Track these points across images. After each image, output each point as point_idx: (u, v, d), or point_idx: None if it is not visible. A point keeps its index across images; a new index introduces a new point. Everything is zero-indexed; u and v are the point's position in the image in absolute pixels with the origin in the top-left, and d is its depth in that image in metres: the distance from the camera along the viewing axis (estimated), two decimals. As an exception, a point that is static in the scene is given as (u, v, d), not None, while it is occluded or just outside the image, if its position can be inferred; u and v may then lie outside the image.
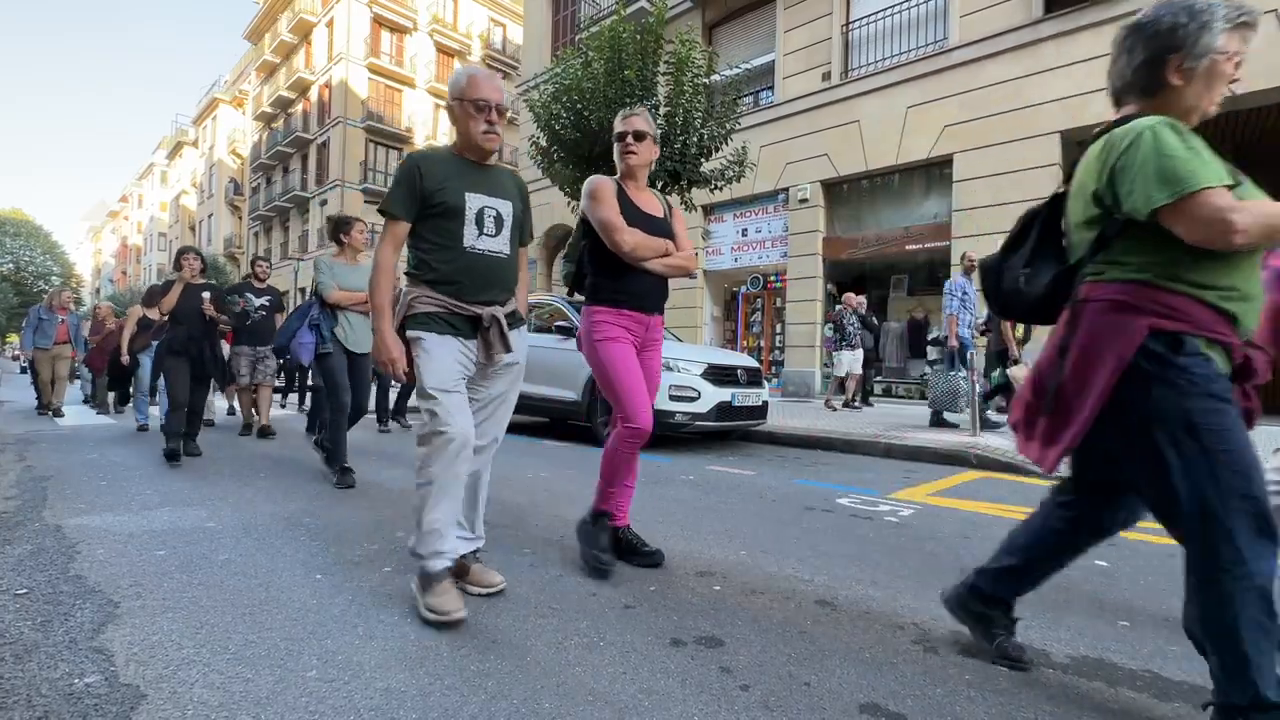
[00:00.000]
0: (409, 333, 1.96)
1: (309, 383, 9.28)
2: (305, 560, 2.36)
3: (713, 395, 5.46)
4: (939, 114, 9.75)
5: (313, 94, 28.82)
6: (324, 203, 25.77)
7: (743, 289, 12.89)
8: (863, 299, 9.30)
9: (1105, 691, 1.54)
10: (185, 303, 4.69)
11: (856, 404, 9.02)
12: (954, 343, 6.47)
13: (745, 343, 12.88)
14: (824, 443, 5.88)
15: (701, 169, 8.38)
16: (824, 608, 2.02)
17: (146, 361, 6.25)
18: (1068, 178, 1.47)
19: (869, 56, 10.87)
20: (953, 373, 6.42)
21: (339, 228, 4.15)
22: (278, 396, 9.64)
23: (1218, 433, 1.21)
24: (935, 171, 10.09)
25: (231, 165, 38.64)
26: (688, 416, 5.35)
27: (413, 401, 7.06)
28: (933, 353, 10.90)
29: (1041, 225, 1.49)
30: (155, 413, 6.79)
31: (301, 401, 9.36)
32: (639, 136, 2.37)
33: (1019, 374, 6.53)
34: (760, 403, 5.95)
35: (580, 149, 8.19)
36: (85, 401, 9.95)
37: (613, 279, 2.34)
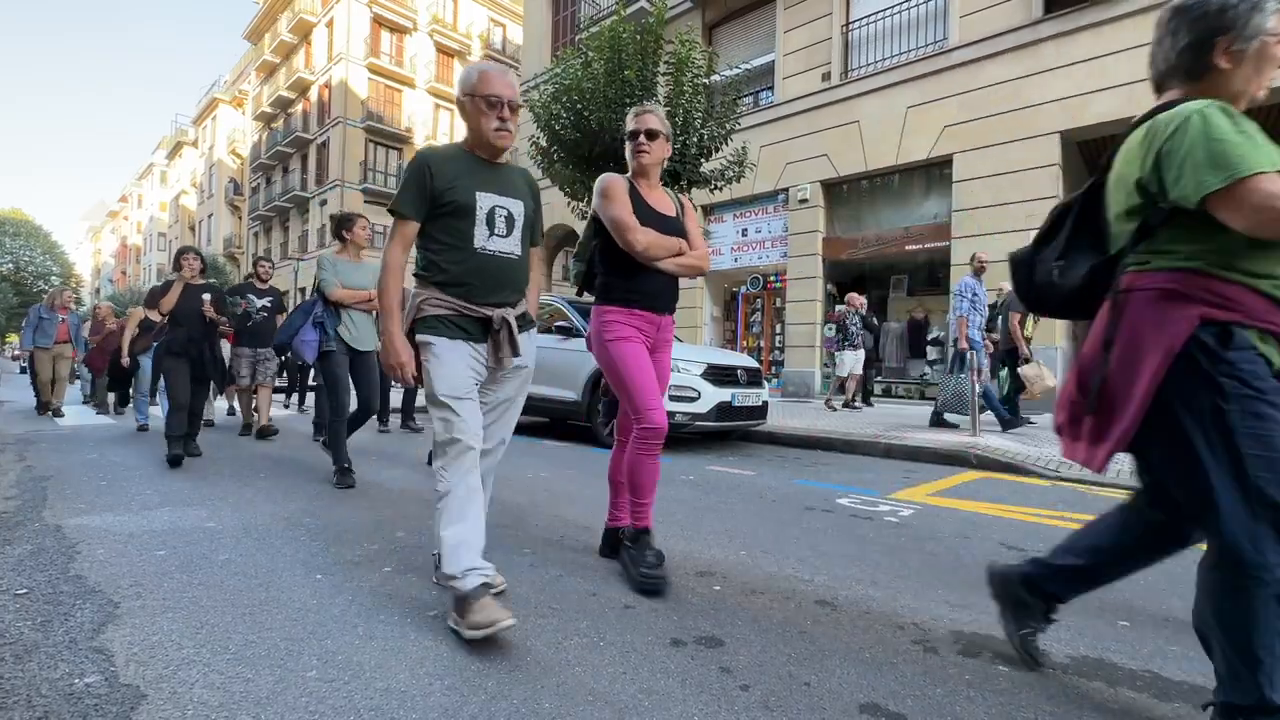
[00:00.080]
0: (419, 337, 1.92)
1: (310, 382, 9.27)
2: (305, 560, 2.36)
3: (713, 395, 5.46)
4: (939, 114, 9.76)
5: (312, 94, 28.82)
6: (324, 203, 25.77)
7: (742, 289, 12.89)
8: (863, 299, 9.30)
9: (1105, 691, 1.54)
10: (185, 303, 4.67)
11: (856, 404, 9.03)
12: (964, 345, 6.38)
13: (745, 343, 12.88)
14: (824, 443, 5.88)
15: (701, 169, 8.39)
16: (824, 608, 2.02)
17: (147, 363, 6.25)
18: (1105, 168, 1.41)
19: (869, 57, 10.88)
20: (962, 375, 6.35)
21: (341, 225, 4.15)
22: (279, 397, 9.61)
23: (1256, 436, 1.17)
24: (935, 172, 10.09)
25: (231, 165, 38.64)
26: (688, 417, 5.35)
27: (420, 402, 7.05)
28: (932, 353, 10.91)
29: (1076, 216, 1.44)
30: (156, 413, 6.80)
31: (302, 401, 9.32)
32: (651, 135, 2.33)
33: (1030, 373, 6.51)
34: (760, 403, 5.95)
35: (580, 149, 8.19)
36: (85, 401, 9.95)
37: (624, 278, 2.31)
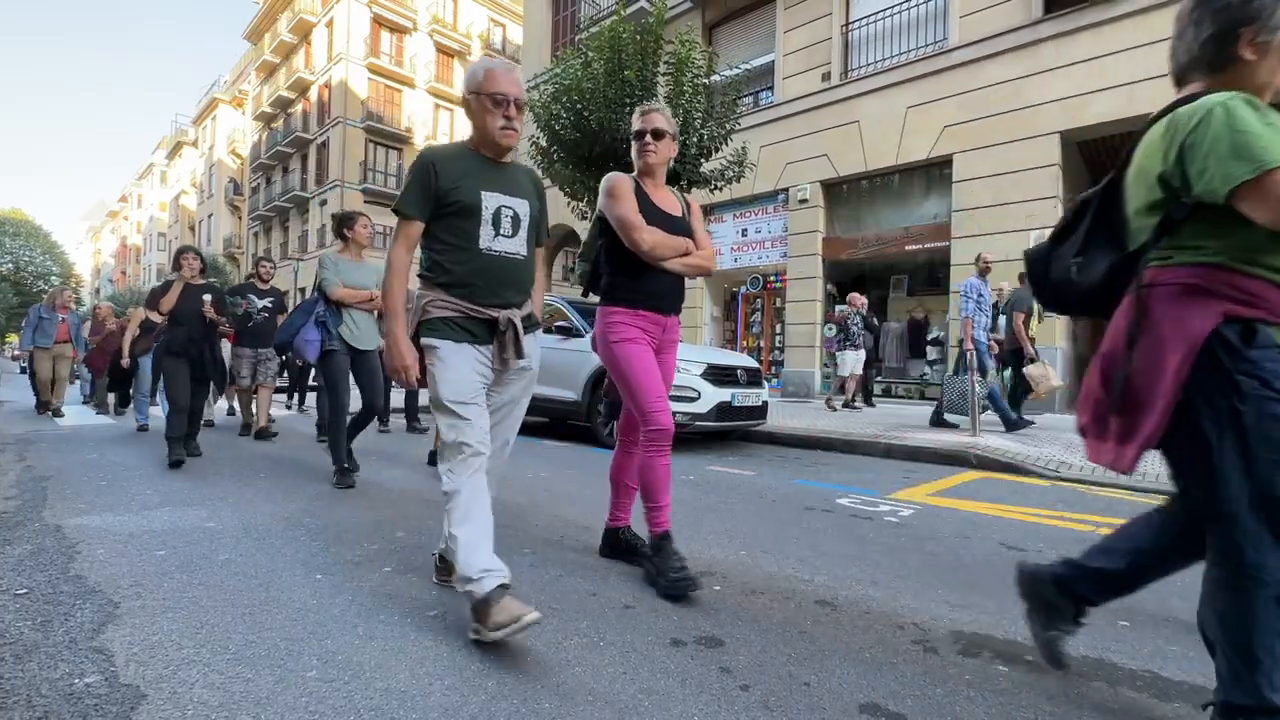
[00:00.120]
0: (424, 340, 1.89)
1: (310, 383, 9.24)
2: (305, 560, 2.36)
3: (712, 395, 5.46)
4: (939, 114, 9.76)
5: (312, 94, 28.83)
6: (324, 203, 25.76)
7: (742, 289, 12.89)
8: (864, 300, 9.30)
9: (1105, 691, 1.54)
10: (185, 303, 4.66)
11: (856, 404, 9.03)
12: (969, 346, 6.29)
13: (745, 343, 12.89)
14: (824, 443, 5.88)
15: (701, 169, 8.39)
16: (824, 608, 2.02)
17: (147, 364, 6.24)
18: (1123, 163, 1.38)
19: (869, 57, 10.88)
20: (967, 376, 6.26)
21: (343, 223, 4.13)
22: (280, 397, 9.56)
23: (1269, 438, 1.15)
24: (935, 172, 10.10)
25: (231, 165, 38.64)
26: (687, 417, 5.35)
27: (423, 401, 7.05)
28: (932, 353, 10.91)
29: (1095, 212, 1.40)
30: (156, 413, 6.80)
31: (302, 401, 9.29)
32: (658, 135, 2.31)
33: (1036, 372, 6.48)
34: (760, 403, 5.95)
35: (580, 149, 8.20)
36: (85, 402, 9.95)
37: (630, 279, 2.29)
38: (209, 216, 40.37)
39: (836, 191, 11.32)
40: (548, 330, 6.30)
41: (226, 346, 6.45)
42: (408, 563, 2.36)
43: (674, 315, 2.39)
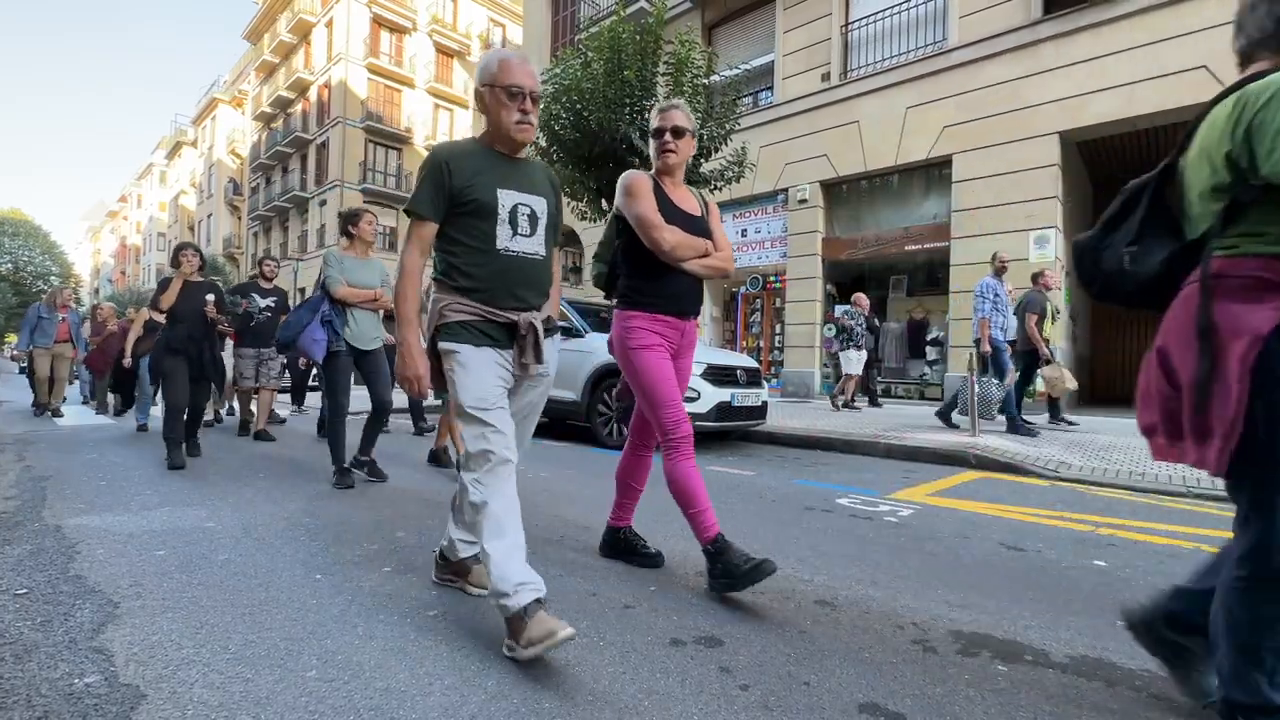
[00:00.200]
0: (442, 345, 1.80)
1: (311, 383, 9.21)
2: (305, 560, 2.36)
3: (712, 395, 5.46)
4: (938, 115, 9.76)
5: (312, 94, 28.82)
6: (323, 203, 25.76)
7: (742, 289, 12.89)
8: (867, 300, 9.28)
9: (1104, 691, 1.54)
10: (186, 302, 4.63)
11: (856, 405, 9.04)
12: (986, 347, 6.21)
13: (744, 343, 12.89)
14: (823, 443, 5.89)
15: (701, 169, 8.40)
16: (824, 608, 2.02)
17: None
18: (1181, 146, 1.30)
19: (868, 57, 10.88)
20: (984, 378, 6.20)
21: (348, 220, 4.09)
22: (285, 398, 9.48)
23: None
24: (934, 172, 10.10)
25: (231, 165, 38.63)
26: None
27: (428, 401, 7.05)
28: (932, 353, 10.91)
29: (1151, 198, 1.33)
30: (157, 413, 6.79)
31: (301, 401, 9.25)
32: (678, 133, 2.25)
33: (1051, 374, 6.41)
34: (760, 403, 5.96)
35: (580, 149, 8.20)
36: (85, 402, 9.94)
37: (649, 280, 2.23)
38: (208, 216, 40.36)
39: (836, 192, 11.33)
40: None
41: (229, 346, 6.44)
42: (408, 563, 2.36)
43: (693, 318, 2.34)
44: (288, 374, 7.85)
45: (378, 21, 27.48)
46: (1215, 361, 1.19)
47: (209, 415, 7.20)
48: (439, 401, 5.90)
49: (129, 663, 1.54)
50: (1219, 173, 1.20)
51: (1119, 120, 8.35)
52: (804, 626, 1.87)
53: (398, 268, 1.87)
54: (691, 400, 5.37)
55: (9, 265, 41.79)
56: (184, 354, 4.60)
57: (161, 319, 4.92)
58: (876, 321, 9.64)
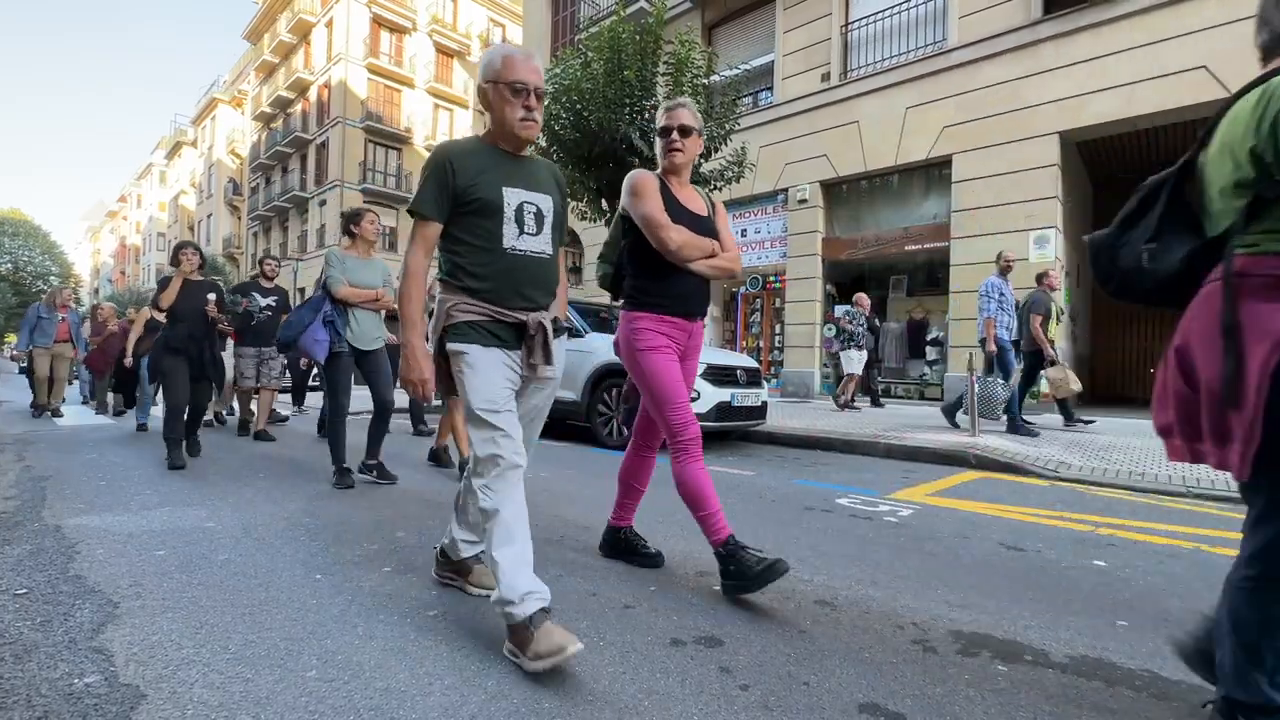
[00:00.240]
0: (450, 346, 1.76)
1: (311, 383, 9.19)
2: (305, 560, 2.36)
3: (712, 395, 5.46)
4: (938, 115, 9.77)
5: (312, 94, 28.82)
6: (323, 203, 25.78)
7: (742, 289, 12.89)
8: (869, 301, 9.27)
9: (1104, 691, 1.54)
10: (185, 300, 4.62)
11: (855, 405, 9.04)
12: (992, 347, 6.17)
13: (744, 343, 12.89)
14: (823, 443, 5.89)
15: (701, 169, 8.40)
16: (824, 608, 2.02)
17: None
18: (1201, 142, 1.28)
19: (868, 57, 10.89)
20: (989, 378, 6.16)
21: (350, 220, 4.08)
22: (286, 398, 9.46)
23: None
24: (934, 172, 10.10)
25: (230, 165, 38.63)
26: (687, 417, 5.34)
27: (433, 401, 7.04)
28: (932, 353, 10.91)
29: (1170, 194, 1.31)
30: (157, 413, 6.79)
31: (301, 401, 9.24)
32: (685, 132, 2.23)
33: (1056, 376, 6.35)
34: (760, 403, 5.96)
35: (580, 149, 8.20)
36: (85, 402, 9.93)
37: (656, 281, 2.21)
38: (208, 216, 40.35)
39: (836, 192, 11.33)
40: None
41: (230, 345, 6.43)
42: (408, 563, 2.36)
43: (700, 319, 2.32)
44: (288, 374, 7.83)
45: (378, 21, 27.48)
46: (1240, 361, 1.17)
47: (209, 416, 7.20)
48: (439, 402, 5.90)
49: (129, 663, 1.54)
50: (1242, 168, 1.18)
51: (1119, 120, 8.35)
52: (804, 626, 1.87)
53: (402, 269, 1.84)
54: (692, 400, 5.36)
55: (9, 265, 41.78)
56: (184, 353, 4.58)
57: (163, 318, 4.91)
58: (877, 322, 9.64)
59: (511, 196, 1.79)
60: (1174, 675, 1.63)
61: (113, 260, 63.60)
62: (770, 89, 12.08)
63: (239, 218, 36.70)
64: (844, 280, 11.68)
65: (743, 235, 12.46)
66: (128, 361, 6.54)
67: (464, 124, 29.63)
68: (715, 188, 8.60)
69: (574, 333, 6.05)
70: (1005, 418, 6.22)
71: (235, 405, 7.31)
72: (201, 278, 4.83)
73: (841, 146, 10.85)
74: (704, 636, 1.78)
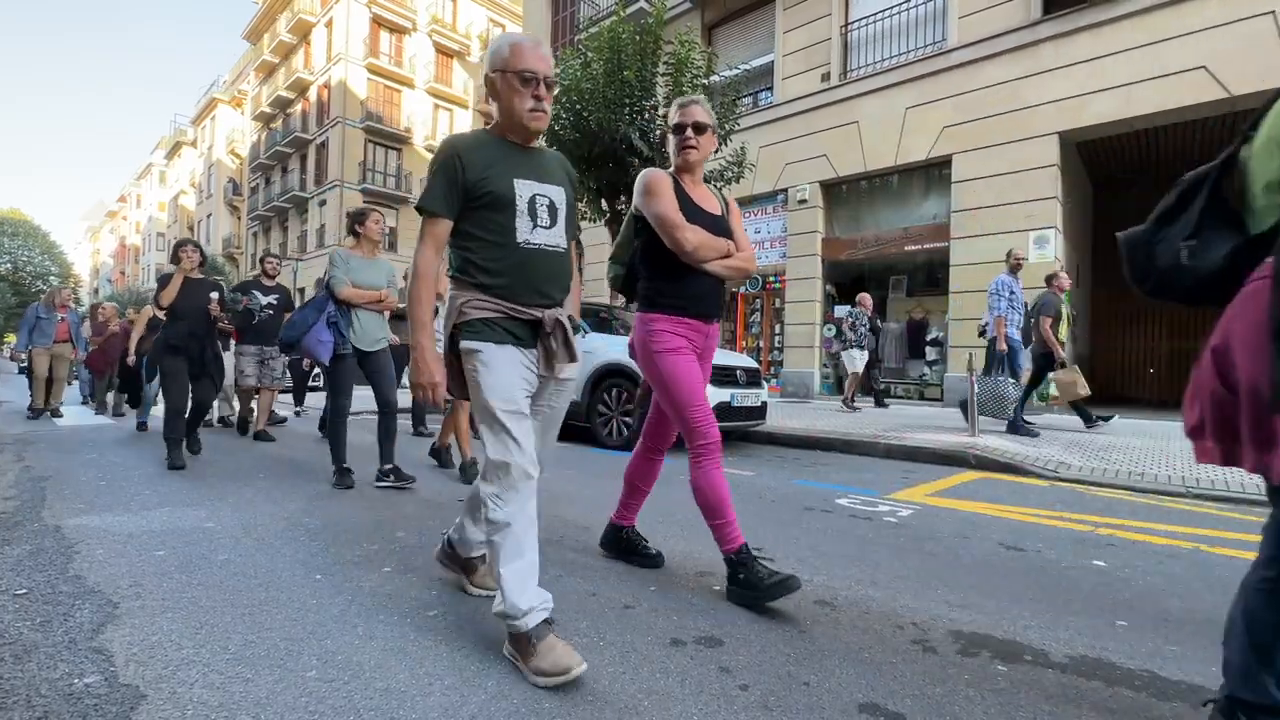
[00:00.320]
0: (463, 344, 1.69)
1: (311, 383, 9.17)
2: (305, 560, 2.36)
3: (712, 395, 5.42)
4: (938, 115, 9.77)
5: (312, 94, 28.83)
6: (323, 203, 25.78)
7: (741, 289, 12.90)
8: (871, 301, 9.25)
9: (1103, 691, 1.54)
10: (186, 299, 4.60)
11: (856, 405, 9.04)
12: (1002, 346, 6.10)
13: (744, 343, 12.89)
14: (823, 443, 5.89)
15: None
16: (823, 608, 2.02)
17: None
18: (1243, 137, 1.24)
19: (868, 57, 10.89)
20: (1000, 377, 6.11)
21: (355, 220, 4.07)
22: (287, 398, 9.43)
23: None
24: (934, 172, 10.11)
25: (230, 165, 38.63)
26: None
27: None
28: (932, 353, 10.92)
29: (1212, 189, 1.26)
30: (158, 412, 6.78)
31: (300, 401, 9.22)
32: (699, 129, 2.18)
33: (1065, 378, 6.29)
34: (759, 403, 5.95)
35: (579, 150, 8.21)
36: (85, 402, 9.92)
37: (672, 282, 2.16)
38: (208, 217, 40.35)
39: (836, 192, 11.33)
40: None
41: (231, 345, 6.43)
42: (408, 563, 2.36)
43: (715, 322, 2.27)
44: (288, 374, 7.82)
45: (377, 21, 27.48)
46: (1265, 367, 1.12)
47: (215, 416, 7.19)
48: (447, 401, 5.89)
49: (129, 663, 1.54)
50: None
51: (1118, 120, 8.36)
52: (804, 626, 1.87)
53: (411, 268, 1.77)
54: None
55: (8, 265, 41.77)
56: (184, 352, 4.58)
57: (163, 315, 4.91)
58: (878, 322, 9.65)
59: (523, 189, 1.73)
60: (1174, 675, 1.63)
61: (112, 260, 63.59)
62: (770, 89, 12.08)
63: (239, 218, 36.69)
64: (844, 280, 11.68)
65: (742, 235, 12.44)
66: (130, 360, 6.53)
67: (464, 124, 29.62)
68: (715, 188, 8.57)
69: (575, 330, 6.05)
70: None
71: (235, 404, 7.30)
72: (202, 276, 4.82)
73: (841, 147, 10.86)
74: (704, 636, 1.78)
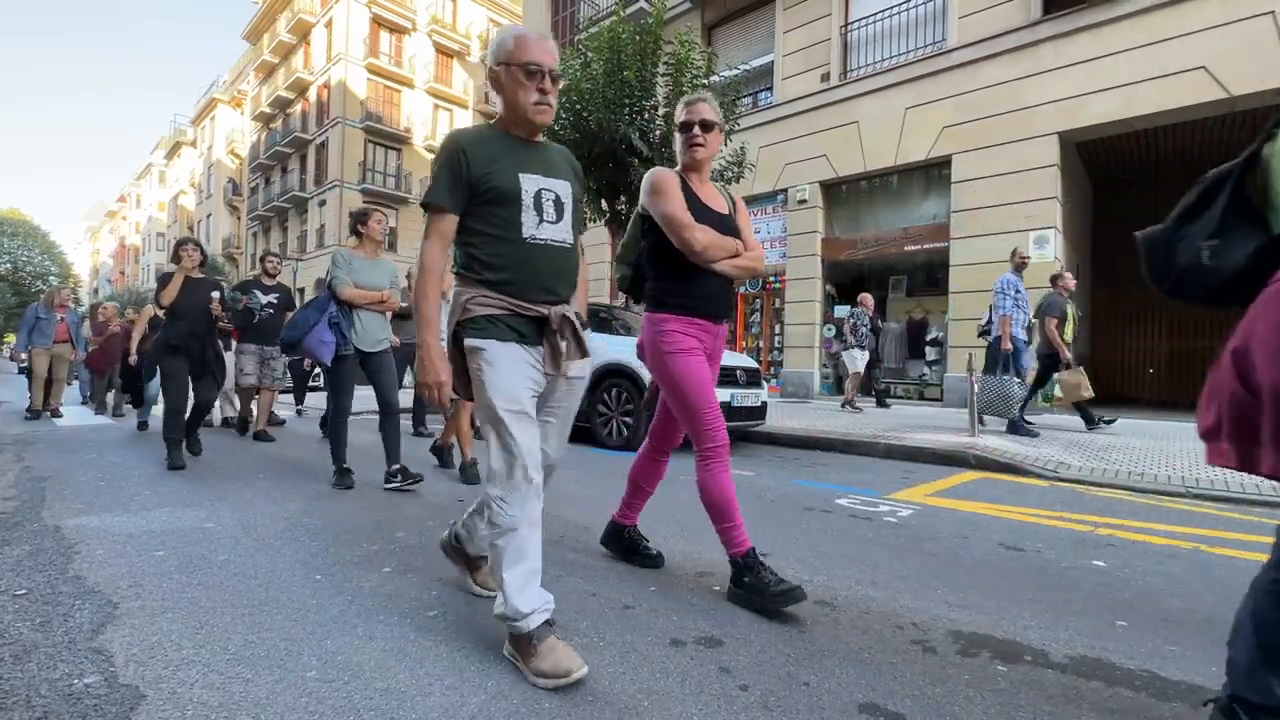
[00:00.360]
0: (468, 341, 1.66)
1: (311, 383, 9.15)
2: (305, 560, 2.36)
3: (712, 396, 5.45)
4: (937, 115, 9.77)
5: (311, 94, 28.82)
6: (323, 203, 25.78)
7: (741, 289, 12.90)
8: (872, 301, 9.25)
9: (1103, 691, 1.54)
10: (187, 298, 4.60)
11: (856, 405, 9.04)
12: (1007, 345, 6.09)
13: (744, 343, 12.89)
14: (823, 443, 5.89)
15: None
16: (823, 608, 2.02)
17: None
18: (1267, 135, 1.22)
19: (868, 58, 10.89)
20: (1006, 376, 6.10)
21: (358, 220, 4.06)
22: (288, 398, 9.41)
23: None
24: (934, 172, 10.11)
25: (230, 165, 38.63)
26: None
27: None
28: (932, 353, 10.92)
29: (1234, 188, 1.24)
30: (158, 411, 6.78)
31: (300, 401, 9.20)
32: (706, 127, 2.16)
33: (1070, 380, 6.28)
34: (759, 403, 5.95)
35: (579, 150, 8.21)
36: (84, 402, 9.91)
37: (679, 282, 2.14)
38: (208, 217, 40.34)
39: (835, 192, 11.33)
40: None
41: (232, 342, 6.42)
42: (408, 563, 2.36)
43: (725, 322, 2.25)
44: (289, 374, 7.80)
45: (377, 22, 27.48)
46: None
47: (218, 417, 7.18)
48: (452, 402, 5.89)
49: (129, 663, 1.54)
50: None
51: (1118, 121, 8.36)
52: (804, 626, 1.87)
53: (417, 264, 1.74)
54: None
55: (8, 265, 41.75)
56: (184, 351, 4.57)
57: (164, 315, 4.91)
58: (879, 322, 9.65)
59: (529, 183, 1.70)
60: (1174, 675, 1.63)
61: (112, 260, 63.58)
62: (770, 89, 12.08)
63: (238, 218, 36.68)
64: (844, 281, 11.68)
65: (742, 235, 12.44)
66: (132, 360, 6.53)
67: (464, 124, 29.63)
68: (722, 187, 8.58)
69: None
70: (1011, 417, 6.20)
71: (236, 403, 7.30)
72: (203, 275, 4.82)
73: (841, 147, 10.86)
74: (704, 636, 1.78)
